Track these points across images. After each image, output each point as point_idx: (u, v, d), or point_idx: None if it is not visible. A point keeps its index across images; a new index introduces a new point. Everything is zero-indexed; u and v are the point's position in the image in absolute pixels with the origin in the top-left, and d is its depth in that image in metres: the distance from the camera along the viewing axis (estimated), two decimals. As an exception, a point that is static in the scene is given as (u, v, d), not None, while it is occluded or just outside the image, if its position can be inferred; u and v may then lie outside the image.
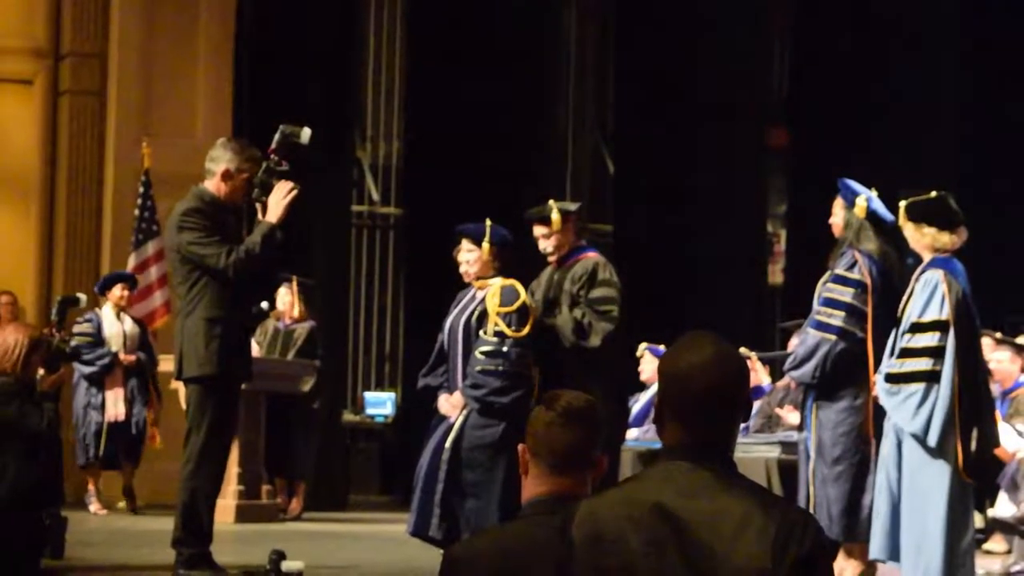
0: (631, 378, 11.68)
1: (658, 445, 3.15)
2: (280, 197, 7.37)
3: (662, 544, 2.78)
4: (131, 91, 13.86)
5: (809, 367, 7.93)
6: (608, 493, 2.92)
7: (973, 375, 7.08)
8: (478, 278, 8.33)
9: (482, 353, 8.10)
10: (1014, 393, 10.57)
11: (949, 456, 6.95)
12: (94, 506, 11.99)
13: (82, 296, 11.17)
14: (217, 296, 7.37)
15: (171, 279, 9.05)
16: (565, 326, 8.27)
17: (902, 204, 7.29)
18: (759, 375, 11.75)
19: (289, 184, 7.37)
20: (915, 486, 7.01)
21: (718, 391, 2.89)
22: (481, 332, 8.16)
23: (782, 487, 9.56)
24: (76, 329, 11.98)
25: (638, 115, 16.91)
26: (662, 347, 11.32)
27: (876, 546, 7.19)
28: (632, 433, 10.78)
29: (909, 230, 7.26)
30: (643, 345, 12.06)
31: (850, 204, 8.01)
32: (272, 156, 7.43)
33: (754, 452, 9.99)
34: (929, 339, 7.03)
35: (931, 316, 7.05)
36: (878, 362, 7.45)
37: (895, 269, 7.89)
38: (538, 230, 8.48)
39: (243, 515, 11.24)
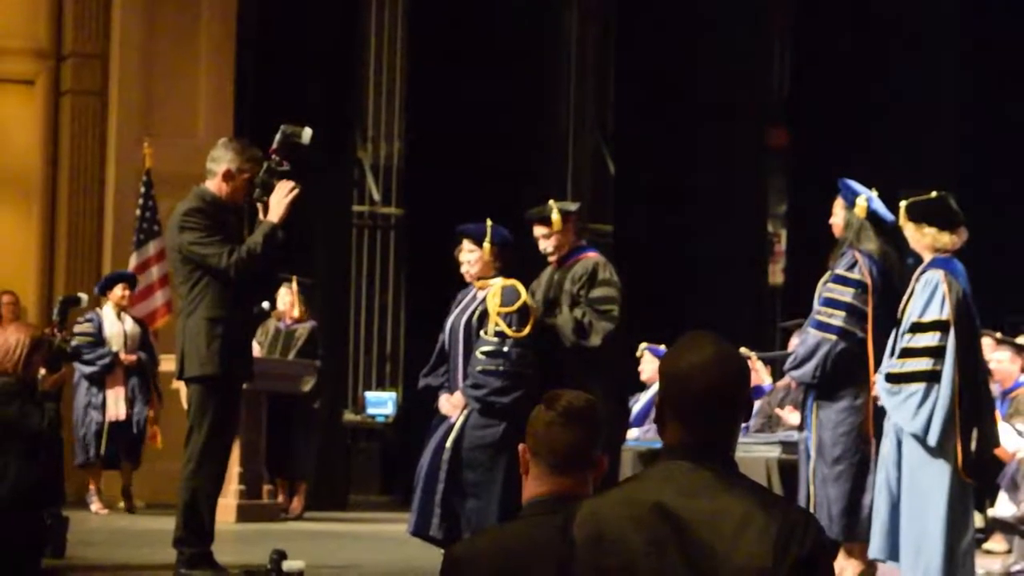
0: (631, 378, 11.68)
1: (658, 445, 3.16)
2: (281, 197, 7.37)
3: (663, 544, 2.79)
4: (132, 91, 13.87)
5: (809, 367, 7.94)
6: (609, 493, 2.93)
7: (973, 375, 7.09)
8: (479, 278, 8.34)
9: (483, 353, 8.11)
10: (1014, 393, 10.58)
11: (949, 456, 6.96)
12: (95, 506, 11.99)
13: (83, 296, 11.18)
14: (218, 296, 7.38)
15: (172, 279, 9.06)
16: (565, 326, 8.28)
17: (903, 204, 7.29)
18: (760, 375, 11.76)
19: (290, 184, 7.38)
20: (915, 486, 7.01)
21: (719, 391, 2.89)
22: (482, 332, 8.17)
23: (782, 487, 9.57)
24: (76, 329, 11.98)
25: (638, 115, 16.92)
26: (662, 347, 11.33)
27: (875, 545, 7.20)
28: (632, 433, 10.79)
29: (910, 230, 7.27)
30: (643, 345, 12.06)
31: (850, 204, 8.02)
32: (273, 156, 7.44)
33: (754, 452, 10.00)
34: (929, 339, 7.04)
35: (931, 316, 7.05)
36: (878, 362, 7.45)
37: (895, 269, 7.90)
38: (538, 230, 8.49)
39: (244, 515, 11.25)
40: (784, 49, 18.35)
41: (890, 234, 7.85)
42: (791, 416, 10.79)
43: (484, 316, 8.20)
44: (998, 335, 10.91)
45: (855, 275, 7.91)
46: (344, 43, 15.06)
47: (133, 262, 13.12)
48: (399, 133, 18.15)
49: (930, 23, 16.50)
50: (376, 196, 18.25)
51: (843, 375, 7.87)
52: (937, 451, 6.96)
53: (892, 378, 7.10)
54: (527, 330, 8.15)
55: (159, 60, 13.94)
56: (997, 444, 7.31)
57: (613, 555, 2.82)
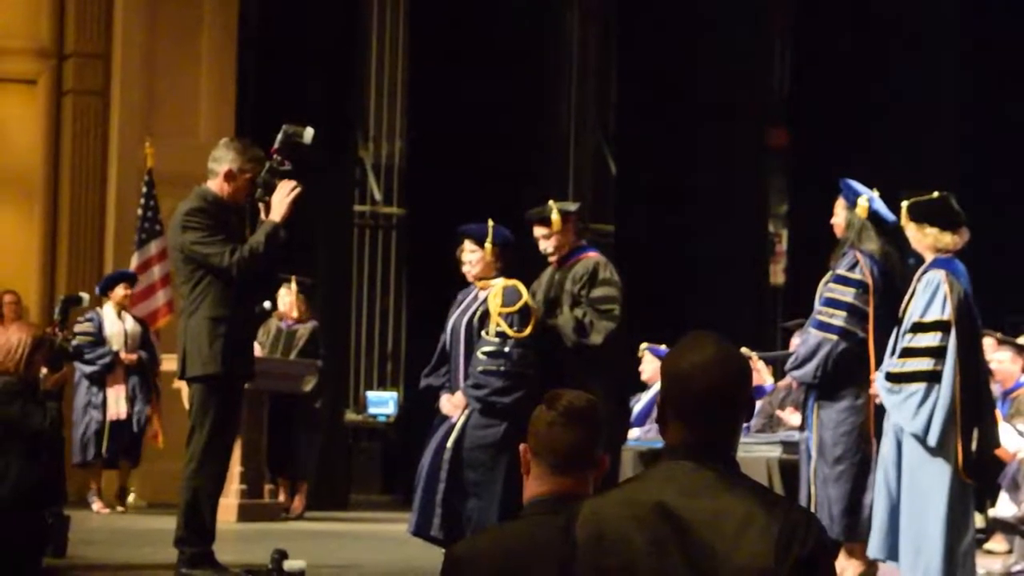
0: (632, 378, 11.69)
1: (659, 444, 3.17)
2: (283, 196, 7.38)
3: (664, 543, 2.79)
4: (134, 91, 13.88)
5: (810, 367, 7.94)
6: (611, 493, 2.93)
7: (974, 375, 7.09)
8: (480, 278, 8.35)
9: (484, 353, 8.12)
10: (1015, 393, 10.58)
11: (949, 456, 6.96)
12: (96, 505, 12.01)
13: (85, 295, 11.19)
14: (220, 295, 7.38)
15: (174, 279, 9.06)
16: (566, 325, 8.28)
17: (904, 204, 7.29)
18: (761, 375, 11.76)
19: (292, 184, 7.38)
20: (915, 486, 7.01)
21: (720, 391, 2.90)
22: (483, 332, 8.18)
23: (783, 487, 9.57)
24: (77, 328, 11.99)
25: (639, 115, 16.92)
26: (663, 347, 11.34)
27: (875, 545, 7.20)
28: (633, 433, 10.79)
29: (911, 230, 7.27)
30: (644, 345, 12.06)
31: (852, 204, 8.02)
32: (275, 156, 7.44)
33: (755, 452, 10.00)
34: (931, 339, 7.04)
35: (933, 316, 7.06)
36: (879, 362, 7.46)
37: (896, 269, 7.90)
38: (538, 231, 8.49)
39: (245, 514, 11.25)
40: (784, 49, 18.36)
41: (891, 234, 7.85)
42: (792, 417, 10.79)
43: (485, 316, 8.20)
44: (999, 335, 10.91)
45: (856, 275, 7.92)
46: (345, 43, 15.06)
47: (134, 262, 13.13)
48: (400, 133, 18.16)
49: (930, 23, 16.50)
50: (377, 196, 18.26)
51: (844, 375, 7.87)
52: (937, 451, 6.96)
53: (893, 377, 7.10)
54: (528, 330, 8.16)
55: (161, 60, 13.95)
56: (998, 444, 7.31)
57: (614, 555, 2.82)
